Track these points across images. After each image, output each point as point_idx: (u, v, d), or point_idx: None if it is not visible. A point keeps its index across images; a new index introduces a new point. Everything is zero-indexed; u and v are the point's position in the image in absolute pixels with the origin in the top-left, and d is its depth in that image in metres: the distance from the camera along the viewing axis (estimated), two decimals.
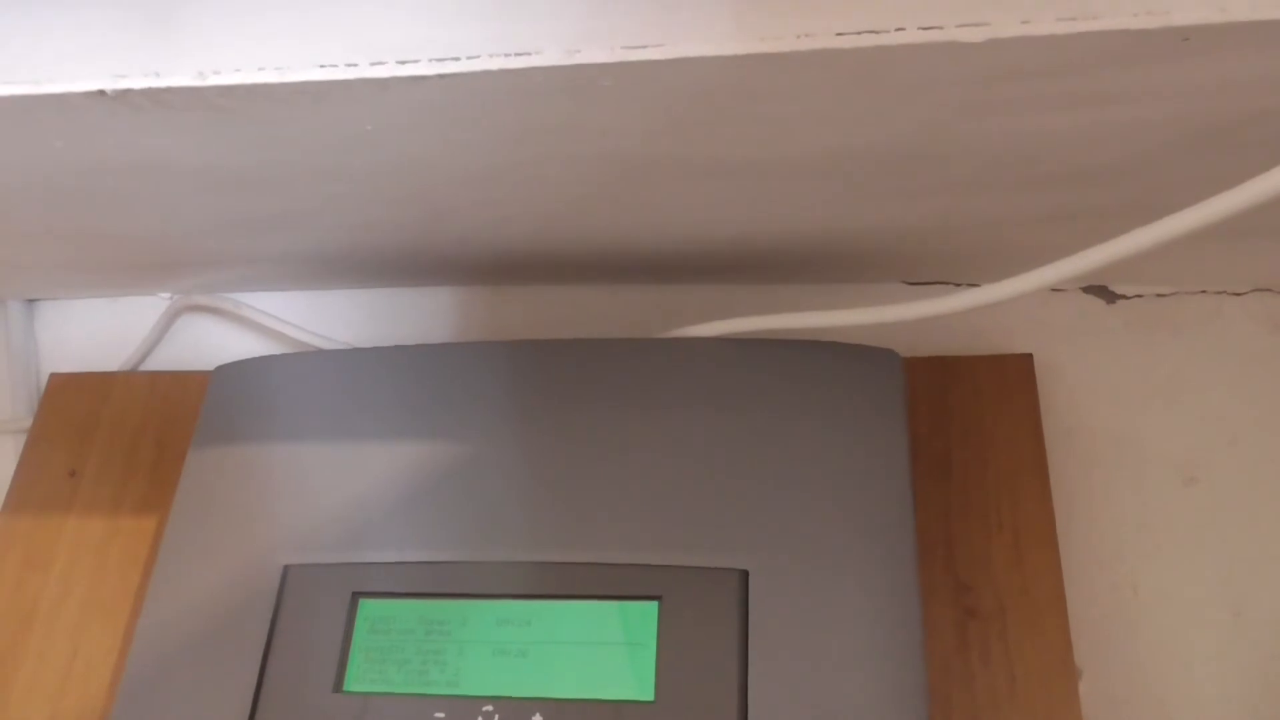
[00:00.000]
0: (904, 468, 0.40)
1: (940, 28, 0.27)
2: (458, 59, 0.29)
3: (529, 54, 0.28)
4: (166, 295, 0.58)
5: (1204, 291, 0.50)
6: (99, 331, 0.60)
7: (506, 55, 0.29)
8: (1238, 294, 0.50)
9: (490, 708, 0.37)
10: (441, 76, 0.29)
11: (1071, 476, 0.49)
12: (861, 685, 0.36)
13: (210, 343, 0.58)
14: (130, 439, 0.55)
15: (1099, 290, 0.51)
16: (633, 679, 0.37)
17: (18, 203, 0.42)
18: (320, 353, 0.49)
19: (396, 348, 0.46)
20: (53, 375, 0.58)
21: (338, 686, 0.38)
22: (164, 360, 0.58)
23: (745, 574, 0.38)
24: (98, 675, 0.49)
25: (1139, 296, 0.51)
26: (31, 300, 0.61)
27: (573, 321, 0.54)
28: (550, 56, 0.28)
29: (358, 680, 0.38)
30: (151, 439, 0.55)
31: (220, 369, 0.48)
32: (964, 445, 0.48)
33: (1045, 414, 0.48)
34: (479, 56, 0.29)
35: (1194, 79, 0.30)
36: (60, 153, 0.36)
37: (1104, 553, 0.47)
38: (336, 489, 0.42)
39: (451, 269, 0.52)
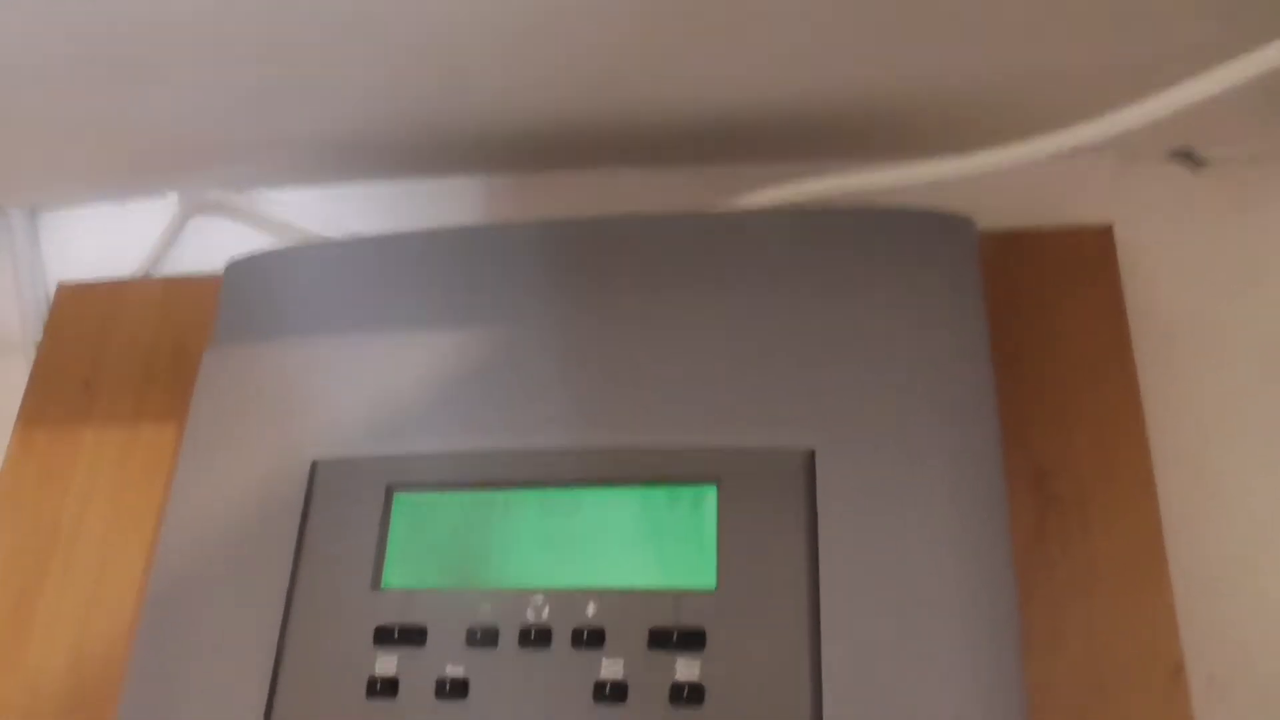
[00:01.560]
0: (982, 338, 0.37)
1: None
2: None
3: None
4: (175, 196, 0.55)
5: None
6: (107, 238, 0.57)
7: None
8: None
9: (540, 599, 0.34)
10: None
11: (1151, 360, 0.45)
12: (943, 570, 0.33)
13: (224, 244, 0.54)
14: (146, 348, 0.52)
15: (1184, 156, 0.47)
16: (692, 566, 0.34)
17: (16, 82, 0.39)
18: (341, 242, 0.45)
19: (425, 232, 0.43)
20: (61, 285, 0.55)
21: (375, 584, 0.36)
22: (177, 265, 0.55)
23: (811, 454, 0.35)
24: (127, 590, 0.47)
25: (1229, 162, 0.47)
26: (35, 209, 0.58)
27: (609, 211, 0.51)
28: None
29: (397, 576, 0.36)
30: (168, 346, 0.52)
31: (234, 264, 0.45)
32: (1037, 327, 0.45)
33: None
34: None
35: None
36: (61, 14, 0.32)
37: (1186, 440, 0.44)
38: (365, 380, 0.39)
39: (476, 153, 0.49)
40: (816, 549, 0.33)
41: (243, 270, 0.45)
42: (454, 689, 0.33)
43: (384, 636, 0.34)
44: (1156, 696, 0.37)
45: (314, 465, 0.38)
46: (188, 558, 0.38)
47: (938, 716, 0.31)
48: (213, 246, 0.55)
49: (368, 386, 0.39)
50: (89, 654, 0.45)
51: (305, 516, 0.37)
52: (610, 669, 0.33)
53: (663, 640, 0.33)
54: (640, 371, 0.37)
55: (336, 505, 0.37)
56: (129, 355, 0.52)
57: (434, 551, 0.36)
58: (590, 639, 0.33)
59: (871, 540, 0.33)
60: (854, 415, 0.35)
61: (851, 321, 0.37)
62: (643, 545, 0.35)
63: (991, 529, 0.34)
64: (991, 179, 0.48)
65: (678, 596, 0.33)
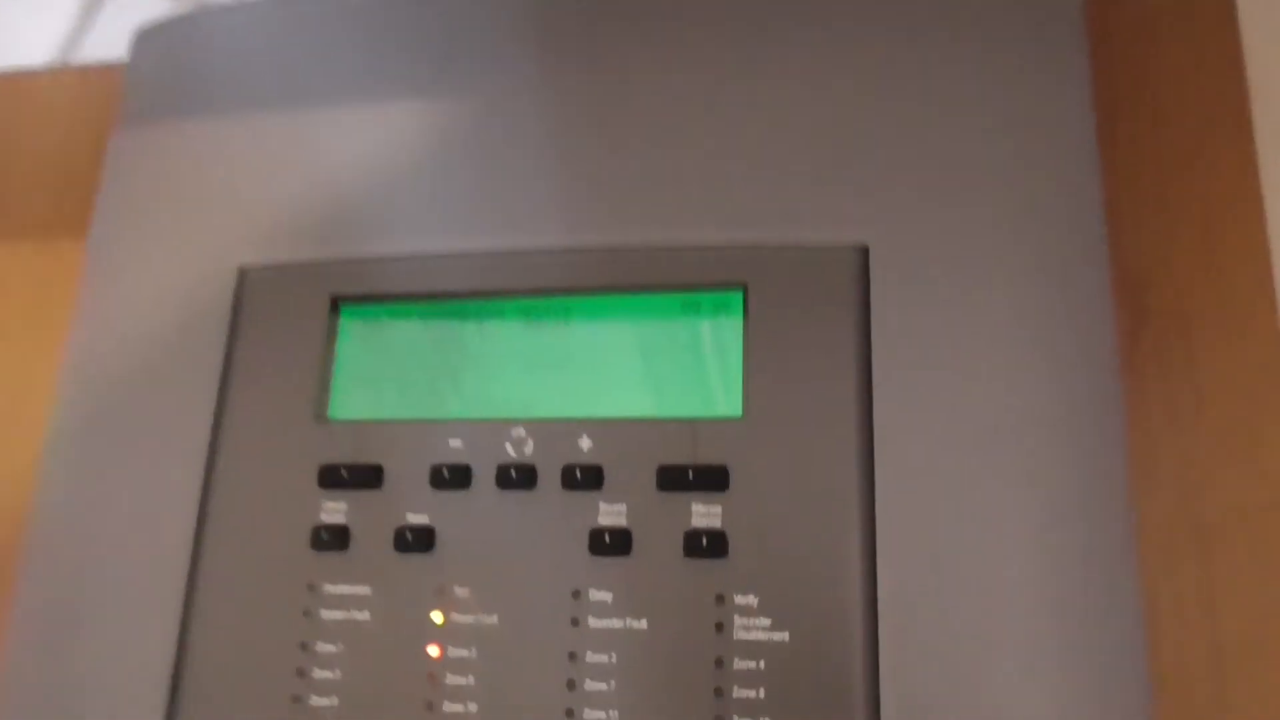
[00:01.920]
0: (1084, 100, 0.29)
1: None
2: None
3: None
4: None
5: None
6: (10, 22, 0.48)
7: None
8: None
9: (521, 432, 0.27)
10: None
11: (1275, 139, 0.37)
12: (1029, 396, 0.26)
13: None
14: (61, 148, 0.44)
15: None
16: (712, 390, 0.27)
17: None
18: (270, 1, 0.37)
19: None
20: None
21: (320, 415, 0.29)
22: (96, 52, 0.46)
23: (864, 251, 0.27)
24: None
25: None
26: None
27: None
28: None
29: (346, 406, 0.29)
30: (86, 147, 0.44)
31: (143, 33, 0.37)
32: (1132, 95, 0.36)
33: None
34: None
35: None
36: None
37: None
38: (302, 167, 0.32)
39: None
40: (869, 368, 0.26)
41: (154, 40, 0.36)
42: (417, 539, 0.27)
43: (331, 478, 0.28)
44: (1270, 541, 0.31)
45: (242, 272, 0.31)
46: (95, 386, 0.31)
47: (1029, 574, 0.24)
48: (136, 27, 0.46)
49: (306, 175, 0.32)
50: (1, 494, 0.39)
51: (233, 335, 0.30)
52: (610, 515, 0.26)
53: (675, 480, 0.26)
54: (649, 152, 0.29)
55: (271, 321, 0.30)
56: (41, 157, 0.44)
57: (390, 376, 0.29)
58: (585, 479, 0.27)
59: (938, 358, 0.26)
60: (918, 201, 0.28)
61: (914, 79, 0.29)
62: (649, 365, 0.28)
63: (1091, 345, 0.27)
64: None
65: (694, 427, 0.27)
